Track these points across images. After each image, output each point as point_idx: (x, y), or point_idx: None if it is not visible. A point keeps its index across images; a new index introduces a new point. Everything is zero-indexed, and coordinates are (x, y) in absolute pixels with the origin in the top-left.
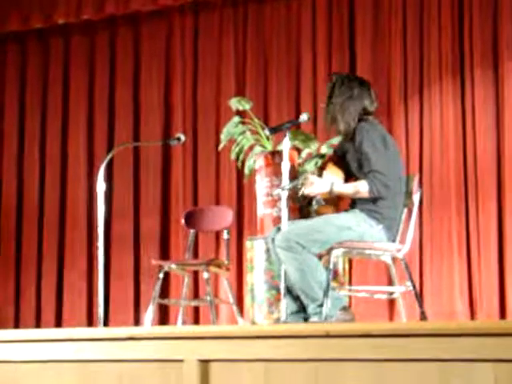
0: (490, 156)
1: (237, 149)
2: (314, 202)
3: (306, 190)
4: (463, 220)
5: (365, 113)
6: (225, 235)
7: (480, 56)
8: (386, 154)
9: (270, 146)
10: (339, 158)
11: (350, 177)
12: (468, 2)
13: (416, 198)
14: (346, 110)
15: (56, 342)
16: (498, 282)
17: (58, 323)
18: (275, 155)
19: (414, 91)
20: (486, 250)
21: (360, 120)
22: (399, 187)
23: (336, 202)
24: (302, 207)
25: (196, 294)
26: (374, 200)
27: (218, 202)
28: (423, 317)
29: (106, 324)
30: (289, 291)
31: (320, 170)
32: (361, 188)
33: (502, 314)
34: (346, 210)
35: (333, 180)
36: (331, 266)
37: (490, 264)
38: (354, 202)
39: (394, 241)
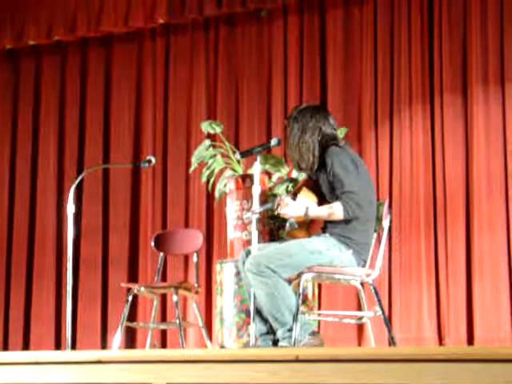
0: (458, 181)
1: (207, 172)
2: (287, 225)
3: (281, 211)
4: (432, 245)
5: (329, 138)
6: (194, 258)
7: (449, 81)
8: (357, 175)
9: (240, 170)
10: (313, 183)
11: (323, 201)
12: (438, 27)
13: (385, 223)
14: (304, 145)
15: (24, 365)
16: (466, 308)
17: (26, 346)
18: (246, 179)
19: (384, 116)
20: (454, 275)
21: (329, 145)
22: (370, 211)
23: (308, 226)
24: (273, 230)
25: (164, 317)
26: (344, 224)
27: (187, 225)
28: (392, 342)
29: (73, 347)
30: (258, 312)
31: (294, 194)
32: (335, 210)
33: (470, 338)
34: (316, 235)
35: (307, 204)
36: (301, 291)
37: (458, 289)
38: (324, 227)
39: (363, 265)
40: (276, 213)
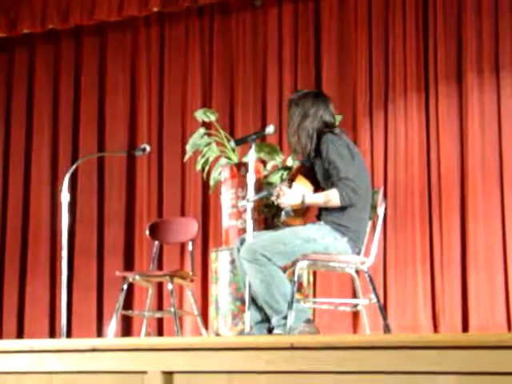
0: (453, 169)
1: (202, 160)
2: (282, 213)
3: (279, 200)
4: (427, 233)
5: (327, 125)
6: (189, 246)
7: (444, 70)
8: (352, 162)
9: (235, 158)
10: (307, 170)
11: (318, 188)
12: (432, 17)
13: (380, 211)
14: (303, 131)
15: (18, 354)
16: (461, 296)
17: (20, 334)
18: (241, 167)
19: (379, 105)
20: (449, 263)
21: (325, 132)
22: (366, 198)
23: (304, 214)
24: (268, 218)
25: (160, 306)
26: (339, 212)
27: (183, 214)
28: (387, 329)
29: (68, 335)
30: (253, 301)
31: (289, 182)
32: (332, 197)
33: (465, 326)
34: (311, 223)
35: (303, 191)
36: (296, 279)
37: (453, 277)
38: (319, 214)
39: (358, 253)
40: (276, 202)
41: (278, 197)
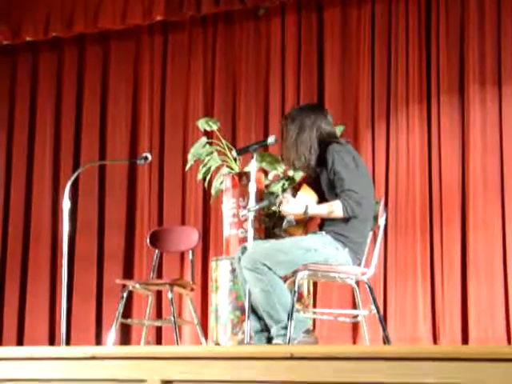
0: (454, 181)
1: (204, 169)
2: (284, 222)
3: (281, 208)
4: (427, 244)
5: (329, 136)
6: (190, 255)
7: (446, 82)
8: (357, 173)
9: (237, 167)
10: (313, 180)
11: (323, 199)
12: (435, 27)
13: (381, 221)
14: (301, 144)
15: (17, 361)
16: (461, 307)
17: (20, 341)
18: (242, 176)
19: (380, 116)
20: (449, 274)
21: (330, 143)
22: (369, 210)
23: (306, 223)
24: (268, 228)
25: (159, 314)
26: (342, 223)
27: (183, 222)
28: (387, 340)
29: (67, 343)
30: (253, 310)
31: (294, 190)
32: (335, 208)
33: (465, 338)
34: (312, 232)
35: (307, 201)
36: (296, 288)
37: (454, 289)
38: (321, 224)
39: (359, 264)
40: (277, 210)
41: (280, 204)
